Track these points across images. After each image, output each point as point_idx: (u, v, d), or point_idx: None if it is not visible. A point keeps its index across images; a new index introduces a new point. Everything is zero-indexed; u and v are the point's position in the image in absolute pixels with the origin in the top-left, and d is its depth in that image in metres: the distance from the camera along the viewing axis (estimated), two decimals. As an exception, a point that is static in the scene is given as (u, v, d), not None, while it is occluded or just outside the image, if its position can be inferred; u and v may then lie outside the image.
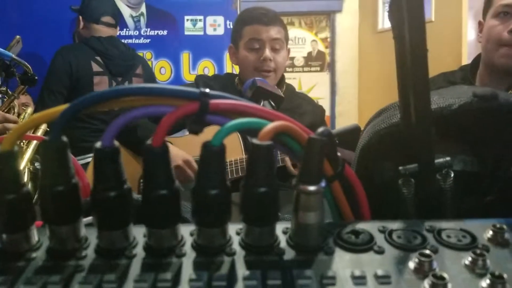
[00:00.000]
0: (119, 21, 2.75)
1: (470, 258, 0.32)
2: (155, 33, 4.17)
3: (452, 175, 0.42)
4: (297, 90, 1.90)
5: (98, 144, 0.33)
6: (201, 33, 4.24)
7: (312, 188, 0.33)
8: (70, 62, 2.37)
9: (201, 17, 4.23)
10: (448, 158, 0.42)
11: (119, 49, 2.55)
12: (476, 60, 1.51)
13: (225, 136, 0.33)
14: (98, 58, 2.43)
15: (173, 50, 4.19)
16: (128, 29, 4.13)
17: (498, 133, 0.43)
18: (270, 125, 0.34)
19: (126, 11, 4.13)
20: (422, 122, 0.40)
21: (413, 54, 0.38)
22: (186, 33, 4.24)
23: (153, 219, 0.33)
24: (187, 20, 4.21)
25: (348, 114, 4.70)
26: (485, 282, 0.30)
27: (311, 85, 4.75)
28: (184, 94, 0.34)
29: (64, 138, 0.32)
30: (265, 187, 0.33)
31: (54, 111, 0.33)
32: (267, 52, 1.61)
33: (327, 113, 4.69)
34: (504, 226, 0.35)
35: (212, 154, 0.33)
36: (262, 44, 1.62)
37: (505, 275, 0.30)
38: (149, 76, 2.70)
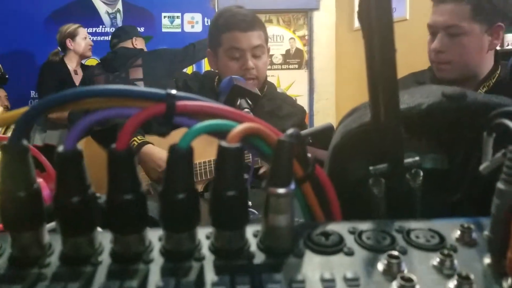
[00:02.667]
0: (125, 34, 3.30)
1: (438, 259, 0.32)
2: (132, 30, 4.13)
3: (421, 174, 0.42)
4: (272, 83, 1.87)
5: (60, 148, 0.32)
6: (179, 30, 4.22)
7: (281, 190, 0.33)
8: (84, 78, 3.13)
9: (179, 14, 4.20)
10: (417, 158, 0.42)
11: (118, 52, 3.06)
12: None
13: (192, 139, 0.33)
14: (99, 63, 3.14)
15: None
16: (104, 26, 4.08)
17: (466, 132, 0.44)
18: (239, 127, 0.33)
19: (102, 8, 4.08)
20: (391, 122, 0.41)
21: (382, 54, 0.38)
22: (164, 30, 4.20)
23: (119, 225, 0.33)
24: (165, 17, 4.18)
25: (326, 111, 4.73)
26: (453, 283, 0.30)
27: (290, 82, 4.76)
28: (150, 95, 0.33)
29: (25, 142, 0.31)
30: (234, 190, 0.33)
31: (19, 113, 0.32)
32: (249, 63, 1.56)
33: (306, 110, 4.70)
34: (472, 226, 0.35)
35: (180, 157, 0.32)
36: (243, 52, 1.56)
37: (472, 276, 0.30)
38: (150, 66, 2.98)
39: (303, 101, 4.63)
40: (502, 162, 0.34)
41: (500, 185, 0.31)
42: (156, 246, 0.35)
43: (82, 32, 3.40)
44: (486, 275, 0.32)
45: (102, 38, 4.06)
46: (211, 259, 0.33)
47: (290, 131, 0.35)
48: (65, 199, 0.32)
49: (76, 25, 3.39)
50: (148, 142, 1.47)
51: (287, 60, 4.78)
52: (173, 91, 0.33)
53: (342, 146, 0.49)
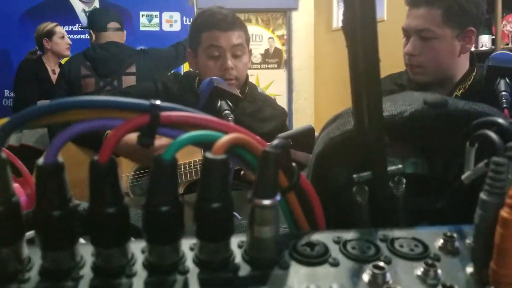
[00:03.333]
0: (123, 25, 2.89)
1: (422, 269, 0.33)
2: (109, 29, 4.07)
3: (404, 182, 0.43)
4: (254, 84, 1.86)
5: (40, 161, 0.31)
6: (157, 29, 4.18)
7: (267, 202, 0.33)
8: (66, 69, 2.68)
9: (157, 13, 4.16)
10: (400, 166, 0.43)
11: (110, 52, 2.67)
12: None
13: (177, 150, 0.32)
14: (88, 63, 2.63)
15: (128, 46, 4.11)
16: (80, 24, 4.01)
17: (447, 139, 0.44)
18: (224, 138, 0.33)
19: (78, 6, 4.02)
20: (375, 130, 0.41)
21: (366, 64, 0.38)
22: (142, 28, 4.16)
23: (101, 238, 0.32)
24: (143, 15, 4.14)
25: (304, 111, 4.76)
26: (437, 293, 0.31)
27: (269, 81, 4.78)
28: (134, 106, 0.33)
29: (3, 155, 0.30)
30: (219, 202, 0.32)
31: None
32: (229, 62, 1.54)
33: (287, 112, 4.72)
34: (454, 234, 0.36)
35: (163, 168, 0.32)
36: (222, 51, 1.54)
37: (456, 286, 0.31)
38: (144, 74, 2.67)
39: (282, 101, 4.65)
40: (484, 172, 0.34)
41: (483, 196, 0.31)
42: (139, 258, 0.34)
43: (60, 31, 3.30)
44: (469, 284, 0.32)
45: (78, 36, 4.00)
46: (195, 272, 0.33)
47: (275, 141, 0.35)
48: (45, 213, 0.31)
49: (53, 24, 3.29)
50: None
51: (266, 60, 4.79)
52: (157, 102, 0.33)
53: (325, 153, 0.49)
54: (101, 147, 0.31)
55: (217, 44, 1.54)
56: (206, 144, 0.34)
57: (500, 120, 0.36)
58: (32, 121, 0.31)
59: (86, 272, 0.33)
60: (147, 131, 0.33)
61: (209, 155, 0.32)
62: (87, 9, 4.02)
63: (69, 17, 3.97)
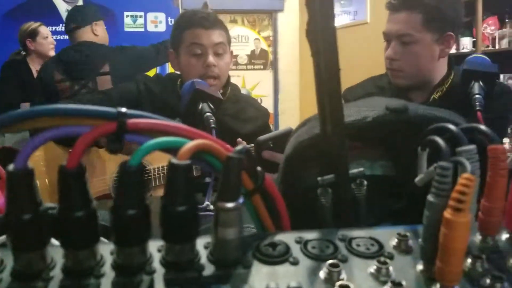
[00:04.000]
0: (85, 18, 2.73)
1: (375, 267, 0.35)
2: (93, 29, 4.06)
3: (366, 184, 0.45)
4: (240, 87, 1.88)
5: (11, 167, 0.32)
6: (142, 29, 4.18)
7: (230, 205, 0.35)
8: (41, 74, 2.61)
9: (142, 13, 4.16)
10: (361, 169, 0.45)
11: (82, 54, 2.58)
12: None
13: (143, 156, 0.34)
14: (61, 66, 2.55)
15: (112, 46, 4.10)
16: (64, 24, 3.99)
17: (408, 143, 0.46)
18: (189, 145, 0.35)
19: (62, 6, 4.00)
20: (336, 135, 0.43)
21: (327, 72, 0.40)
22: (126, 29, 4.16)
23: (70, 241, 0.34)
24: (127, 16, 4.13)
25: (290, 112, 4.79)
26: (387, 289, 0.33)
27: (255, 83, 4.80)
28: (101, 114, 0.34)
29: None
30: (184, 206, 0.34)
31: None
32: (211, 58, 1.56)
33: (271, 110, 4.76)
34: (408, 234, 0.38)
35: (130, 174, 0.34)
36: (204, 49, 1.56)
37: (404, 282, 0.33)
38: (120, 72, 2.59)
39: (268, 102, 4.68)
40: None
41: (430, 198, 0.33)
42: (108, 260, 0.36)
43: (43, 31, 3.26)
44: (419, 281, 0.34)
45: (62, 37, 3.97)
46: (161, 272, 0.35)
47: (239, 147, 0.36)
48: (15, 217, 0.32)
49: (37, 24, 3.25)
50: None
51: (252, 61, 4.81)
52: (123, 109, 0.35)
53: (294, 156, 0.51)
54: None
55: (199, 42, 1.56)
56: (172, 150, 0.36)
57: (451, 127, 0.38)
58: (4, 128, 0.32)
59: (57, 273, 0.34)
60: (115, 138, 0.34)
61: (174, 160, 0.34)
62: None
63: (52, 17, 3.95)
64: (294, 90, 4.80)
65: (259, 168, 0.41)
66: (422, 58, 1.40)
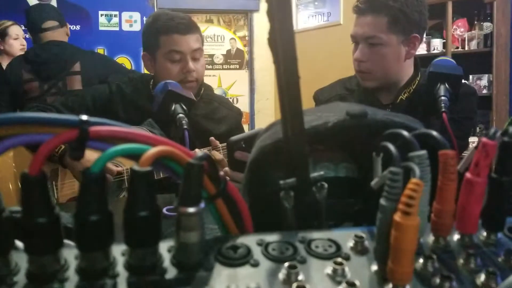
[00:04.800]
0: (64, 19, 2.60)
1: (331, 267, 0.36)
2: (67, 28, 4.00)
3: (326, 187, 0.46)
4: (216, 87, 1.89)
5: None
6: (117, 28, 4.14)
7: (191, 209, 0.36)
8: (7, 74, 2.48)
9: (116, 13, 4.12)
10: (322, 172, 0.46)
11: (51, 52, 2.45)
12: None
13: (105, 163, 0.35)
14: (28, 66, 2.43)
15: (87, 45, 4.04)
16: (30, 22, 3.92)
17: (366, 146, 0.48)
18: (150, 151, 0.36)
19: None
20: (297, 140, 0.44)
21: (287, 80, 0.42)
22: (101, 28, 4.11)
23: (33, 246, 0.34)
24: (102, 15, 4.09)
25: (266, 111, 4.81)
26: (341, 289, 0.34)
27: (231, 82, 4.80)
28: (63, 122, 0.35)
29: None
30: (146, 211, 0.35)
31: None
32: (190, 65, 1.57)
33: (247, 109, 4.77)
34: (364, 235, 0.40)
35: (92, 180, 0.34)
36: (183, 56, 1.57)
37: (357, 282, 0.34)
38: (89, 73, 2.49)
39: (244, 101, 4.69)
40: (389, 179, 0.38)
41: (382, 201, 0.35)
42: (72, 264, 0.36)
43: (14, 31, 3.15)
44: (372, 281, 0.36)
45: (34, 36, 3.91)
46: (125, 276, 0.35)
47: (199, 153, 0.38)
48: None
49: (8, 23, 3.15)
50: None
51: (228, 60, 4.81)
52: (85, 117, 0.35)
53: (258, 160, 0.52)
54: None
55: (178, 49, 1.57)
56: (135, 156, 0.36)
57: (404, 133, 0.40)
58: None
59: (20, 278, 0.35)
60: (76, 145, 0.35)
61: (135, 167, 0.35)
62: (43, 8, 3.94)
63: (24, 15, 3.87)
64: (269, 89, 4.82)
65: (221, 173, 0.42)
66: (388, 60, 1.44)
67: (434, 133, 0.40)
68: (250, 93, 4.86)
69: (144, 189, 0.35)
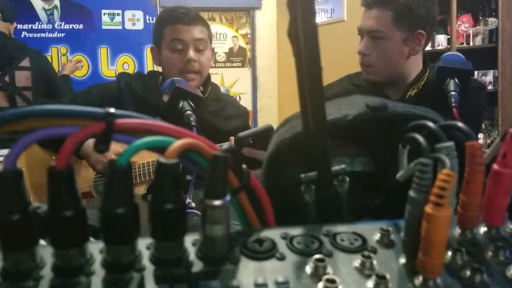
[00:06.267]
0: (12, 13, 2.45)
1: (359, 261, 0.36)
2: (70, 27, 4.01)
3: (348, 180, 0.46)
4: (219, 85, 1.90)
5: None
6: (120, 27, 4.13)
7: (217, 202, 0.35)
8: None
9: (119, 11, 4.11)
10: (343, 166, 0.46)
11: None
12: None
13: (131, 155, 0.34)
14: None
15: (90, 44, 4.05)
16: (40, 23, 3.93)
17: (387, 140, 0.48)
18: (176, 144, 0.35)
19: (38, 4, 3.93)
20: (318, 133, 0.44)
21: (309, 72, 0.41)
22: (104, 27, 4.10)
23: (60, 240, 0.34)
24: (104, 14, 4.08)
25: (268, 109, 4.80)
26: (371, 282, 0.34)
27: (233, 80, 4.79)
28: (89, 114, 0.34)
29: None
30: (172, 204, 0.34)
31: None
32: (191, 53, 1.57)
33: (249, 107, 4.77)
34: (390, 228, 0.39)
35: (118, 173, 0.34)
36: (185, 45, 1.58)
37: (387, 275, 0.34)
38: (41, 69, 2.40)
39: (246, 99, 4.68)
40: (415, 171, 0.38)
41: (411, 193, 0.35)
42: (98, 258, 0.36)
43: None
44: (401, 274, 0.36)
45: (38, 35, 3.91)
46: (151, 269, 0.35)
47: (225, 145, 0.37)
48: (4, 218, 0.32)
49: None
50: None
51: (231, 58, 4.80)
52: (112, 110, 0.35)
53: (277, 155, 0.52)
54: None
55: (179, 38, 1.58)
56: (159, 149, 0.36)
57: (430, 124, 0.39)
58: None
59: (47, 272, 0.34)
60: (102, 138, 0.35)
61: (161, 159, 0.34)
62: (47, 7, 3.93)
63: (28, 15, 3.87)
64: (272, 87, 4.81)
65: (244, 166, 0.42)
66: (390, 55, 1.44)
67: (460, 124, 0.40)
68: (253, 91, 4.85)
69: (170, 182, 0.34)
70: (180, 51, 1.58)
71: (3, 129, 0.33)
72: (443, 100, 1.24)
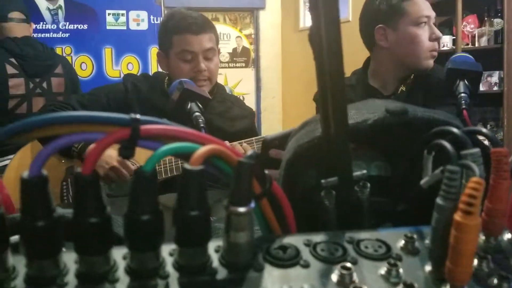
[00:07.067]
0: (30, 16, 2.45)
1: (385, 268, 0.35)
2: (74, 27, 4.02)
3: (369, 186, 0.46)
4: (222, 85, 1.90)
5: (25, 174, 0.32)
6: (124, 27, 4.13)
7: (242, 209, 0.35)
8: None
9: (124, 12, 4.12)
10: (364, 171, 0.45)
11: (36, 49, 2.34)
12: (367, 63, 1.71)
13: (156, 162, 0.34)
14: (12, 59, 2.26)
15: (94, 45, 4.06)
16: (45, 23, 3.94)
17: (408, 144, 0.47)
18: (201, 150, 0.35)
19: (42, 4, 3.93)
20: (340, 137, 0.43)
21: (332, 76, 0.41)
22: (108, 27, 4.11)
23: (85, 246, 0.33)
24: (109, 14, 4.09)
25: (272, 109, 4.80)
26: (399, 290, 0.33)
27: (237, 80, 4.79)
28: (115, 120, 0.34)
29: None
30: (197, 211, 0.34)
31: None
32: (202, 65, 1.57)
33: (253, 108, 4.76)
34: (414, 235, 0.39)
35: (144, 179, 0.34)
36: (195, 55, 1.58)
37: (416, 284, 0.34)
38: (70, 75, 2.47)
39: (250, 99, 4.68)
40: (440, 178, 0.37)
41: (439, 200, 0.34)
42: (121, 265, 0.36)
43: None
44: (428, 282, 0.35)
45: (43, 35, 3.92)
46: (175, 276, 0.35)
47: (249, 152, 0.37)
48: (30, 224, 0.32)
49: None
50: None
51: (234, 59, 4.80)
52: (137, 116, 0.35)
53: (295, 159, 0.51)
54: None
55: (190, 49, 1.57)
56: (184, 155, 0.36)
57: (455, 130, 0.39)
58: (17, 136, 0.32)
59: (70, 279, 0.34)
60: (128, 144, 0.34)
61: (187, 166, 0.34)
62: (51, 7, 3.94)
63: (33, 15, 3.87)
64: (276, 87, 4.81)
65: (266, 172, 0.41)
66: None
67: (485, 130, 0.39)
68: (256, 91, 4.85)
69: (196, 188, 0.34)
70: (190, 61, 1.58)
71: (29, 136, 0.32)
72: (434, 94, 1.29)
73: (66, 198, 1.63)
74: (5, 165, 1.74)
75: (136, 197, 0.34)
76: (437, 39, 1.54)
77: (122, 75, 3.94)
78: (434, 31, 1.51)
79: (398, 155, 0.52)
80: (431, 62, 1.55)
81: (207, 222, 0.35)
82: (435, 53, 1.54)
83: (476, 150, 0.37)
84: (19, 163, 1.68)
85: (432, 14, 1.53)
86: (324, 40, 0.41)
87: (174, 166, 1.49)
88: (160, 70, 2.01)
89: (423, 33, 1.52)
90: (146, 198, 0.34)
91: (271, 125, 4.65)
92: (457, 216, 0.32)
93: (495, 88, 3.37)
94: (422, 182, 0.40)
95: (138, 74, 1.78)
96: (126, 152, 0.35)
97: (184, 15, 1.60)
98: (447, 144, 0.36)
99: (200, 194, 0.35)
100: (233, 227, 0.35)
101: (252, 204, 0.36)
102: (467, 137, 0.39)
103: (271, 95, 4.84)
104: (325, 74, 0.43)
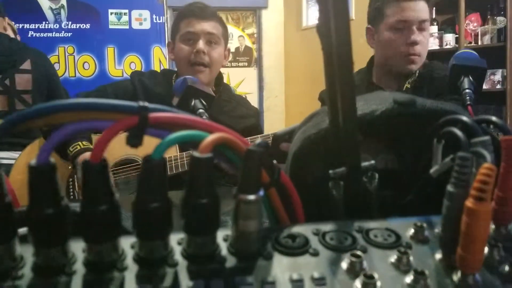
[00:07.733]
0: (4, 10, 2.33)
1: (395, 256, 0.35)
2: (77, 27, 4.02)
3: (377, 177, 0.45)
4: (229, 85, 1.92)
5: (33, 162, 0.32)
6: (126, 27, 4.13)
7: (251, 197, 0.35)
8: None
9: (126, 11, 4.12)
10: (372, 162, 0.45)
11: (3, 44, 2.22)
12: (371, 61, 1.72)
13: (165, 150, 0.34)
14: None
15: (97, 44, 4.06)
16: (47, 22, 3.94)
17: (416, 135, 0.47)
18: (209, 138, 0.35)
19: (45, 3, 3.94)
20: (349, 128, 0.43)
21: (340, 67, 0.41)
22: (111, 26, 4.11)
23: (93, 234, 0.33)
24: (111, 13, 4.08)
25: (275, 108, 4.80)
26: (409, 278, 0.33)
27: (240, 80, 4.79)
28: (123, 108, 0.34)
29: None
30: (206, 199, 0.34)
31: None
32: (200, 44, 1.60)
33: (256, 107, 4.76)
34: (424, 224, 0.39)
35: (153, 167, 0.33)
36: (196, 36, 1.62)
37: (426, 271, 0.33)
38: (42, 72, 2.29)
39: (253, 99, 4.68)
40: (450, 166, 0.37)
41: (450, 188, 0.34)
42: (129, 253, 0.35)
43: None
44: (438, 270, 0.35)
45: (45, 34, 3.92)
46: (184, 265, 0.35)
47: (258, 140, 0.37)
48: (38, 212, 0.32)
49: None
50: (91, 149, 1.45)
51: (237, 58, 4.80)
52: (145, 103, 0.34)
53: (302, 151, 0.51)
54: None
55: (191, 30, 1.62)
56: (192, 143, 0.36)
57: (465, 118, 0.39)
58: (25, 123, 0.32)
59: (78, 267, 0.34)
60: (136, 132, 0.34)
61: (195, 153, 0.34)
62: (54, 6, 3.94)
63: (35, 14, 3.89)
64: (279, 86, 4.81)
65: (275, 162, 0.41)
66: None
67: (494, 118, 0.39)
68: (259, 90, 4.85)
69: (204, 176, 0.34)
70: (191, 43, 1.62)
71: (38, 123, 0.32)
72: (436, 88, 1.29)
73: (72, 194, 1.63)
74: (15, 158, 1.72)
75: (145, 185, 0.34)
76: (413, 44, 1.54)
77: (124, 75, 3.95)
78: (410, 35, 1.52)
79: (405, 146, 0.51)
80: (411, 66, 1.57)
81: (216, 210, 0.35)
82: (414, 57, 1.55)
83: (487, 137, 0.37)
84: (25, 168, 1.68)
85: (419, 17, 1.53)
86: (333, 31, 0.41)
87: (179, 163, 1.49)
88: (161, 67, 2.02)
89: (399, 38, 1.54)
90: (155, 186, 0.34)
91: (274, 124, 4.65)
92: (469, 203, 0.32)
93: (498, 86, 3.36)
94: (432, 171, 0.40)
95: (146, 71, 1.79)
96: (134, 140, 0.35)
97: (193, 3, 1.67)
98: (458, 131, 0.35)
99: (208, 182, 0.34)
100: (242, 215, 0.35)
101: (261, 192, 0.35)
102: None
103: (273, 95, 4.84)
104: (333, 65, 0.42)
